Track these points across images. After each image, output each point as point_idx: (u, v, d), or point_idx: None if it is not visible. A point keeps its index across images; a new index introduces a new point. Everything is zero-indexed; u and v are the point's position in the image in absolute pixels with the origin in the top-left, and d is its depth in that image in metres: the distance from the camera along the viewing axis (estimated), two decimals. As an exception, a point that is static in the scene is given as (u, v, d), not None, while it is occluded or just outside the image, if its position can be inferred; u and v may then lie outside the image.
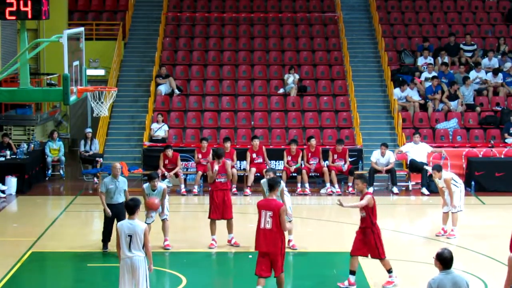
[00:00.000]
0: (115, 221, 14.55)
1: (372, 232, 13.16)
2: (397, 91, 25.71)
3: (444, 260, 8.97)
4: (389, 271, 13.41)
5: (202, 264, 15.09)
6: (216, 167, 15.86)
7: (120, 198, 15.33)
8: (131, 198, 11.68)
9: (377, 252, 13.20)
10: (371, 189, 22.02)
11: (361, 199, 13.20)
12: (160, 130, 24.28)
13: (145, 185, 15.57)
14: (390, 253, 15.48)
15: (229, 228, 16.03)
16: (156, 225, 15.59)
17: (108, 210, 15.24)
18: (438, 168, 17.01)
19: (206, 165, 22.10)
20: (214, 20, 29.69)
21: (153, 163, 22.43)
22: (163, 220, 15.65)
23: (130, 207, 11.37)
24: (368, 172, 22.32)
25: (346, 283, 13.38)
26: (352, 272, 13.33)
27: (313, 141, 22.39)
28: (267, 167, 21.77)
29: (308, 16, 29.91)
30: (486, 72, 26.79)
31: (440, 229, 17.14)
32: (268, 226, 11.98)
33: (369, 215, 13.16)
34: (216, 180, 15.91)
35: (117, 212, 15.07)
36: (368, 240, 13.16)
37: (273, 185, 12.31)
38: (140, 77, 27.39)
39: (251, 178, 21.87)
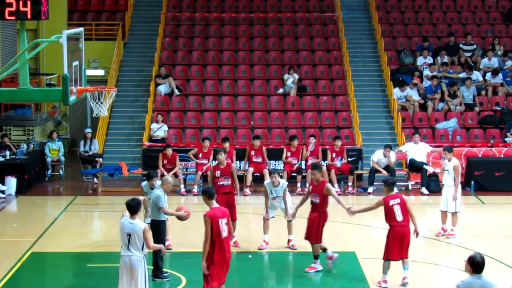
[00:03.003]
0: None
1: (319, 217, 14.13)
2: (396, 91, 25.70)
3: (476, 265, 8.86)
4: (316, 257, 14.22)
5: (202, 264, 15.04)
6: (219, 171, 15.98)
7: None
8: (132, 198, 11.62)
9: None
10: (371, 189, 22.09)
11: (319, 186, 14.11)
12: (160, 130, 24.28)
13: (144, 183, 15.49)
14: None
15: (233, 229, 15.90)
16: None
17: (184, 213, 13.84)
18: (449, 149, 16.96)
19: (206, 163, 22.23)
20: (214, 20, 29.68)
21: (152, 163, 22.40)
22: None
23: (131, 207, 11.34)
24: (368, 172, 22.32)
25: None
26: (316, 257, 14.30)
27: (313, 140, 22.38)
28: (267, 167, 21.80)
29: (307, 15, 29.91)
30: (486, 72, 26.78)
31: (439, 229, 17.14)
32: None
33: (322, 202, 14.13)
34: (218, 183, 15.86)
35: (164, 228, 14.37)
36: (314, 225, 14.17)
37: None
38: (139, 77, 27.38)
39: (249, 178, 21.85)
